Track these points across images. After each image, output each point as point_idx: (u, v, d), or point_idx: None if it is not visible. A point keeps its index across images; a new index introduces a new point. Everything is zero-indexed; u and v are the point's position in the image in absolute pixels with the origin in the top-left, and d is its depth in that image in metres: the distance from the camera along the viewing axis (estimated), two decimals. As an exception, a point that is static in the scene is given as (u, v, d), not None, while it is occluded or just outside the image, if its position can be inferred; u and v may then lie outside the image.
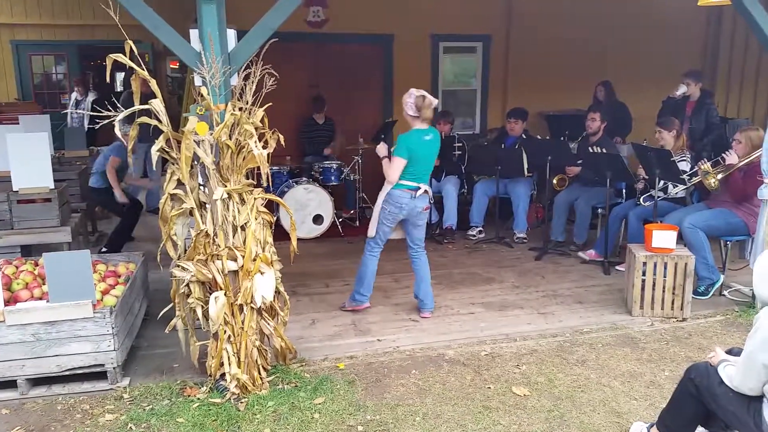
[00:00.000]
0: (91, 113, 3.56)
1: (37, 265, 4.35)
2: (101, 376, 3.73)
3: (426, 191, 4.62)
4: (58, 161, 6.83)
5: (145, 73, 3.45)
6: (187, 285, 3.61)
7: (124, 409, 3.53)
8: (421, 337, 4.49)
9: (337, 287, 5.47)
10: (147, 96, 3.46)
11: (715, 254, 5.22)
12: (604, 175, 5.76)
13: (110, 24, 3.40)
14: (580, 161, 6.37)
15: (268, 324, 3.75)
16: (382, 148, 4.75)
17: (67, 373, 3.66)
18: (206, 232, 3.55)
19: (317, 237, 7.01)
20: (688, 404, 2.90)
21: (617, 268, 5.81)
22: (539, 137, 7.19)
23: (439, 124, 6.87)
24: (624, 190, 6.52)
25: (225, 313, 3.54)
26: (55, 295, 3.59)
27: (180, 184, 3.58)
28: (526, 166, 6.51)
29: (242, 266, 3.55)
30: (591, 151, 6.05)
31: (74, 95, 10.19)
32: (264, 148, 3.59)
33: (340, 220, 7.28)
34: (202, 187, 3.58)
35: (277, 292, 3.77)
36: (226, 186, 3.53)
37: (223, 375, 3.66)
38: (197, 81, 3.52)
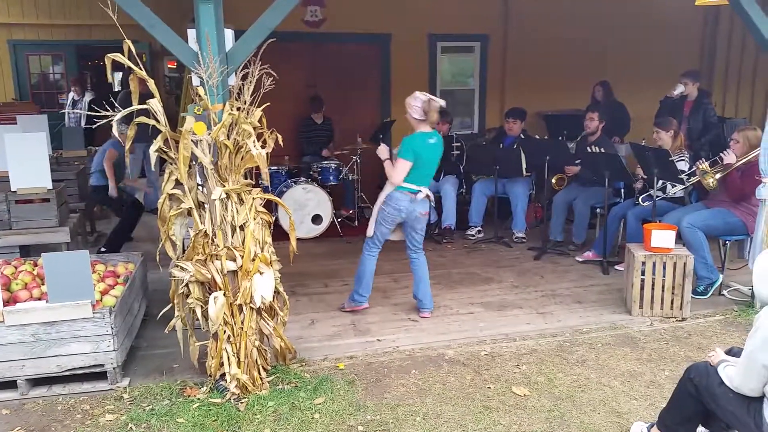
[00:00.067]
0: (89, 113, 3.55)
1: (35, 265, 4.34)
2: (101, 376, 3.72)
3: (427, 196, 4.60)
4: (56, 161, 6.82)
5: (143, 73, 3.44)
6: (187, 285, 3.61)
7: (125, 409, 3.53)
8: (420, 337, 4.49)
9: (336, 287, 5.47)
10: (145, 96, 3.46)
11: (714, 254, 5.22)
12: (602, 175, 5.75)
13: (108, 24, 3.40)
14: (578, 161, 6.37)
15: (268, 324, 3.75)
16: (383, 151, 4.72)
17: (67, 373, 3.66)
18: (205, 232, 3.54)
19: (316, 237, 7.01)
20: (688, 404, 2.90)
21: (616, 267, 5.81)
22: (537, 137, 7.18)
23: (437, 124, 6.84)
24: (622, 190, 6.54)
25: (224, 313, 3.54)
26: (55, 295, 3.58)
27: (178, 183, 3.57)
28: (524, 165, 6.51)
29: (241, 266, 3.55)
30: (589, 150, 6.06)
31: (71, 95, 10.18)
32: (262, 147, 3.58)
33: (339, 220, 7.27)
34: (200, 187, 3.57)
35: (277, 292, 3.76)
36: (224, 186, 3.52)
37: (223, 375, 3.66)
38: (195, 81, 3.51)
